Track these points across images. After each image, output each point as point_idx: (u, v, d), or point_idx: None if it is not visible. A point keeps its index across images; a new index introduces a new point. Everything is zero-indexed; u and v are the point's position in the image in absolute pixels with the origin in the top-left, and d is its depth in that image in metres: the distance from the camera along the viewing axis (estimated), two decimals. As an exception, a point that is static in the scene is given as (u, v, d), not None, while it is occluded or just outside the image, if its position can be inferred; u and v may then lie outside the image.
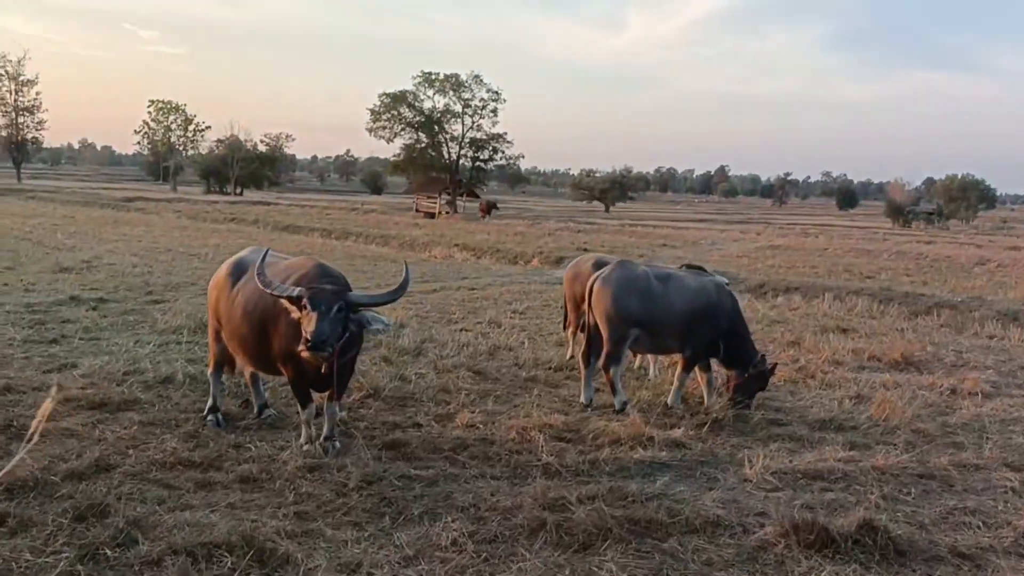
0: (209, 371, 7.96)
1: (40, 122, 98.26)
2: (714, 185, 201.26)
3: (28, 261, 19.75)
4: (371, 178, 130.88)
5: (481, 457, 7.16)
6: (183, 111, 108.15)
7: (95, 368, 9.20)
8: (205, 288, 16.85)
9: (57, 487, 5.84)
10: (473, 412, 8.36)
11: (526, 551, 5.41)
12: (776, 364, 9.13)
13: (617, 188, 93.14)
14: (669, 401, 9.08)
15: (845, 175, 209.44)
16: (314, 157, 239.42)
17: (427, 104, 66.60)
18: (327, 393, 7.03)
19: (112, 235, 28.69)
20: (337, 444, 7.11)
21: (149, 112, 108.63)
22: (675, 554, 5.52)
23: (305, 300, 6.39)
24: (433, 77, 65.47)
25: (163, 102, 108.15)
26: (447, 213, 58.43)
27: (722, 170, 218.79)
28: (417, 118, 65.86)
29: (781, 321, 15.33)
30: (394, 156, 67.83)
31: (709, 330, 8.70)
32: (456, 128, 67.03)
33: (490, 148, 67.45)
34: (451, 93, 65.86)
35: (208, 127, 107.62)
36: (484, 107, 66.47)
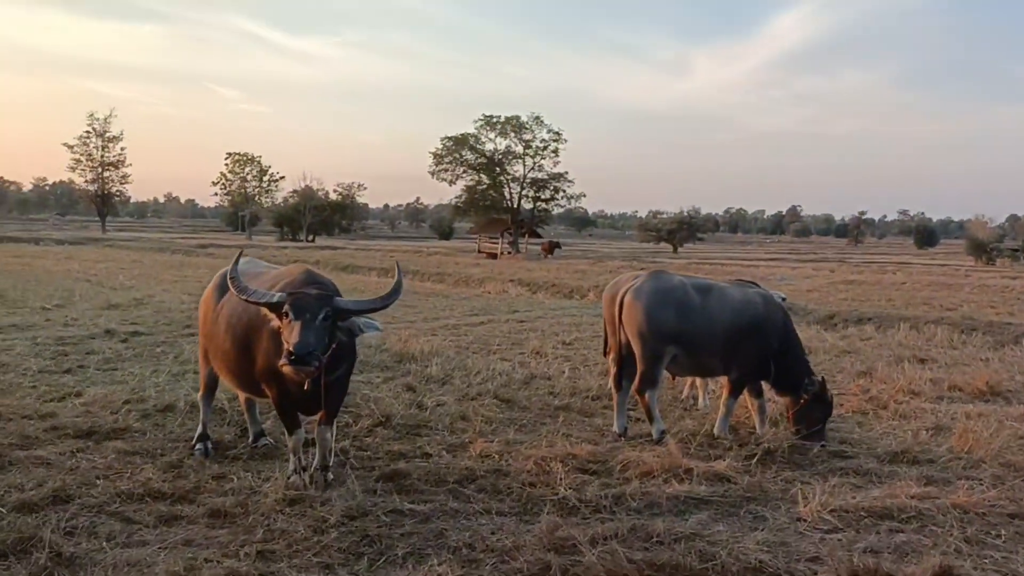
0: (199, 395, 7.31)
1: (124, 176, 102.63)
2: (786, 225, 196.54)
3: (81, 299, 19.74)
4: (439, 224, 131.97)
5: (490, 490, 6.28)
6: (258, 162, 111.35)
7: (97, 396, 8.67)
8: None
9: (-1, 518, 5.19)
10: (491, 441, 7.50)
11: (520, 600, 4.49)
12: (824, 380, 8.00)
13: (685, 229, 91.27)
14: (715, 430, 8.03)
15: (923, 213, 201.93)
16: (385, 205, 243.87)
17: (488, 146, 66.82)
18: (318, 416, 6.27)
19: (172, 277, 28.90)
20: (330, 475, 6.33)
21: (226, 164, 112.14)
22: (704, 607, 4.52)
23: (287, 307, 5.65)
24: (494, 120, 65.70)
25: (239, 154, 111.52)
26: (509, 253, 57.95)
27: (794, 210, 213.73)
28: (479, 160, 66.04)
29: (852, 351, 14.01)
30: (456, 198, 68.07)
31: (757, 349, 7.67)
32: (517, 169, 66.98)
33: (551, 188, 67.00)
34: (512, 135, 65.88)
35: (282, 177, 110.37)
36: (545, 147, 66.27)
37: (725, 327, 7.72)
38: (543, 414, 8.82)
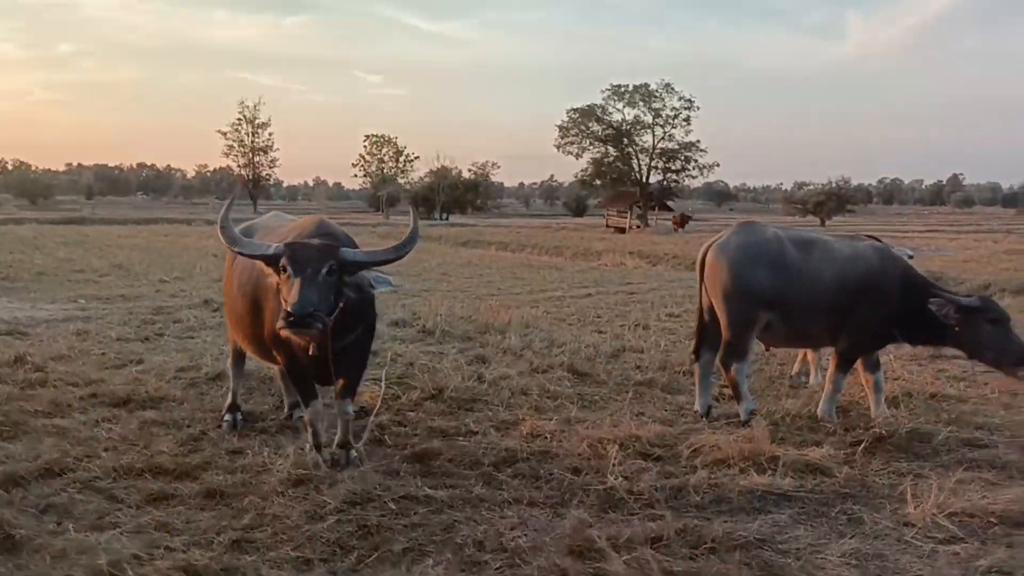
0: (228, 363, 6.78)
1: (273, 160, 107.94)
2: (947, 195, 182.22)
3: (200, 273, 20.21)
4: (573, 201, 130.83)
5: (527, 476, 5.39)
6: (394, 143, 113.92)
7: (155, 364, 8.40)
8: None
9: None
10: (548, 419, 6.60)
11: (517, 616, 3.59)
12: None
13: (833, 201, 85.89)
14: (819, 411, 6.77)
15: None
16: (520, 184, 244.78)
17: (616, 116, 64.89)
18: (340, 385, 5.56)
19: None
20: (354, 454, 5.62)
21: (365, 146, 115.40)
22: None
23: (284, 260, 4.92)
24: (622, 89, 63.67)
25: (377, 136, 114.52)
26: (637, 227, 56.17)
27: (955, 179, 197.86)
28: (606, 131, 64.32)
29: (1006, 323, 12.05)
30: (582, 172, 66.63)
31: (871, 313, 6.32)
32: (646, 139, 64.73)
33: (681, 158, 64.38)
34: (640, 104, 63.68)
35: (416, 157, 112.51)
36: (676, 116, 63.65)
37: (830, 287, 6.43)
38: (620, 389, 7.80)
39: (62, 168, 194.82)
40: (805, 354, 8.43)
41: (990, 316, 6.09)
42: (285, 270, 4.91)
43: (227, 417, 6.46)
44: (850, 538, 4.48)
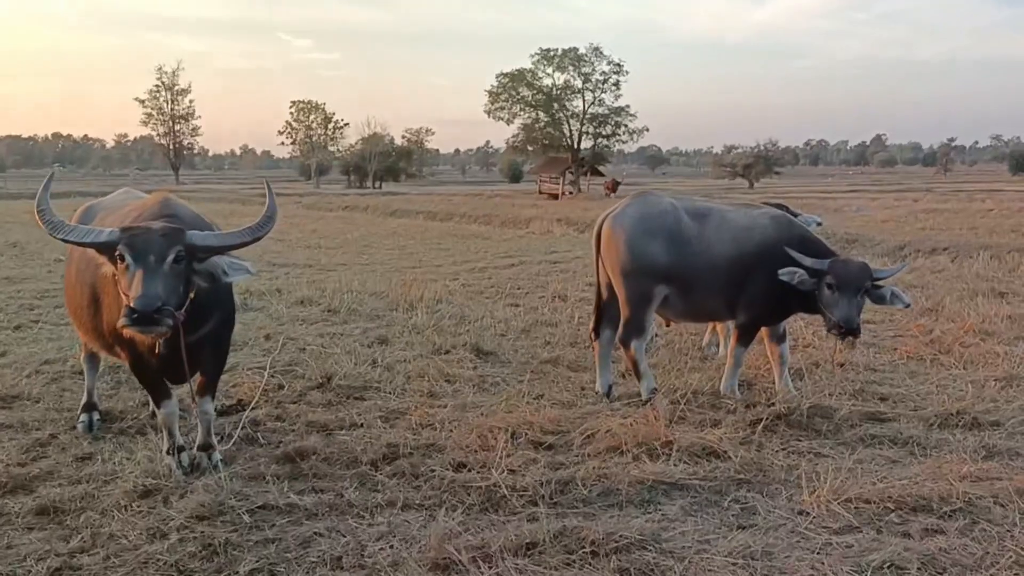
0: (82, 357, 6.17)
1: (195, 129, 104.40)
2: (870, 156, 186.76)
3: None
4: (508, 167, 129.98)
5: (408, 475, 4.97)
6: (322, 110, 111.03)
7: (20, 357, 7.71)
8: (256, 265, 15.61)
9: None
10: (442, 406, 6.19)
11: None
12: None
13: (762, 163, 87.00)
14: (721, 387, 6.51)
15: (1019, 138, 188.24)
16: (456, 151, 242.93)
17: (546, 81, 64.24)
18: (198, 383, 5.03)
19: (221, 224, 28.32)
20: (217, 456, 5.11)
21: (291, 112, 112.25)
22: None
23: (121, 248, 4.29)
24: (552, 53, 63.02)
25: (303, 102, 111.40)
26: (570, 193, 55.92)
27: (879, 139, 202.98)
28: (536, 96, 63.66)
29: (919, 285, 12.08)
30: (513, 137, 65.98)
31: (769, 284, 6.03)
32: (576, 105, 64.34)
33: (612, 123, 64.23)
34: (571, 68, 63.16)
35: (346, 124, 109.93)
36: (605, 80, 63.36)
37: (725, 259, 6.13)
38: (524, 369, 7.43)
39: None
40: (715, 324, 8.18)
41: (828, 280, 5.88)
42: (123, 259, 4.28)
43: (82, 418, 5.87)
44: (741, 531, 4.20)
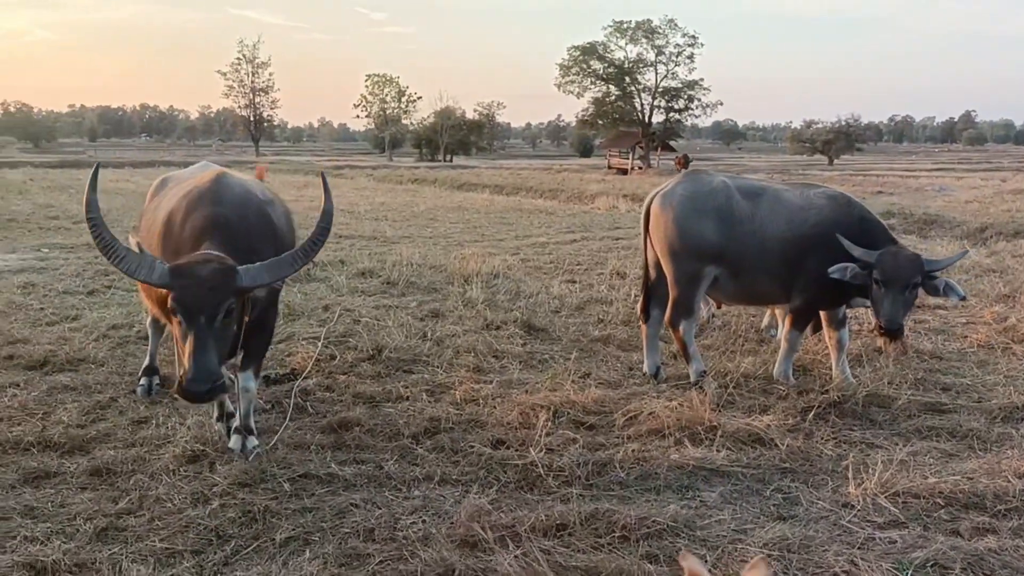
0: (147, 321, 6.34)
1: (274, 101, 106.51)
2: (958, 133, 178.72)
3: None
4: (579, 141, 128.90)
5: (446, 450, 5.00)
6: (396, 83, 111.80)
7: (89, 321, 8.01)
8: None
9: None
10: (487, 382, 6.20)
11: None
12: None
13: (842, 139, 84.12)
14: (774, 372, 6.34)
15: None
16: (528, 124, 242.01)
17: (618, 54, 63.21)
18: (240, 356, 5.08)
19: (290, 196, 28.87)
20: (252, 441, 4.93)
21: (366, 86, 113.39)
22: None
23: (171, 303, 4.09)
24: (625, 25, 61.92)
25: (378, 75, 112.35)
26: (640, 168, 55.15)
27: (968, 116, 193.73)
28: (607, 69, 62.74)
29: (998, 270, 11.52)
30: (583, 111, 65.28)
31: (825, 268, 5.77)
32: (649, 78, 63.17)
33: (685, 96, 62.91)
34: (643, 41, 61.98)
35: (419, 97, 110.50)
36: (679, 53, 62.05)
37: (779, 240, 5.93)
38: (573, 347, 7.37)
39: (65, 110, 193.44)
40: (774, 307, 7.96)
41: (876, 275, 5.60)
42: (175, 313, 4.12)
43: (142, 381, 6.06)
44: (780, 522, 4.09)
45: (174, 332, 4.27)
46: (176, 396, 4.16)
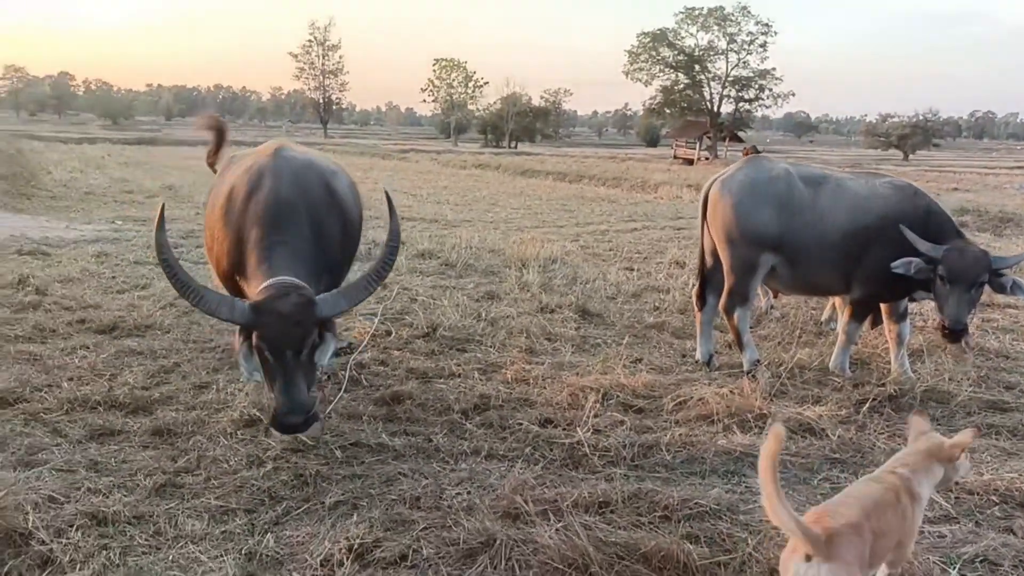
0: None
1: (343, 84, 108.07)
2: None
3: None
4: (645, 130, 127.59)
5: (494, 426, 5.06)
6: (463, 68, 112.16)
7: (158, 290, 8.31)
8: (375, 218, 15.95)
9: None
10: (538, 363, 6.24)
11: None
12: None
13: (919, 134, 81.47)
14: (831, 363, 6.24)
15: None
16: (594, 112, 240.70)
17: (688, 42, 62.32)
18: None
19: (355, 178, 29.24)
20: (316, 428, 4.59)
21: (433, 70, 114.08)
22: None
23: (257, 343, 4.08)
24: (696, 12, 60.97)
25: (446, 60, 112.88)
26: (706, 159, 54.38)
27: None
28: (677, 57, 61.88)
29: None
30: (650, 99, 64.50)
31: (888, 260, 5.64)
32: (719, 67, 62.14)
33: (756, 86, 61.64)
34: (715, 28, 60.93)
35: (486, 83, 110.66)
36: (751, 41, 60.80)
37: (840, 230, 5.81)
38: (627, 332, 7.36)
39: (143, 88, 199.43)
40: (835, 299, 7.81)
41: (941, 271, 5.43)
42: (260, 351, 4.11)
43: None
44: (826, 511, 4.03)
45: (260, 363, 4.22)
46: (271, 428, 4.18)
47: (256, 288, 4.29)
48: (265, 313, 4.03)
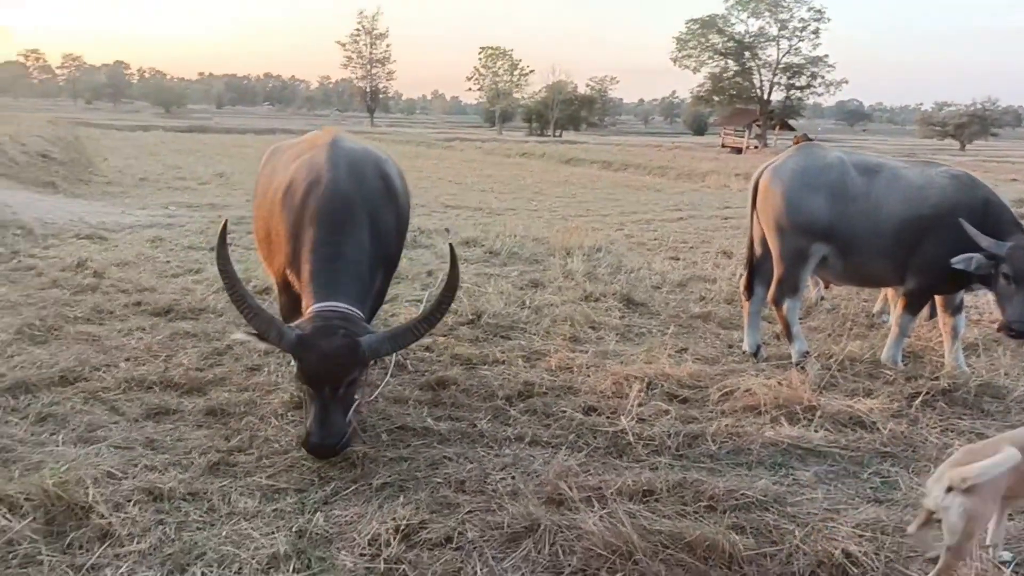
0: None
1: (390, 73, 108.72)
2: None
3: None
4: (693, 118, 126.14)
5: (538, 413, 5.08)
6: (509, 56, 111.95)
7: (211, 275, 8.45)
8: (421, 206, 16.02)
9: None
10: (582, 351, 6.25)
11: (470, 572, 3.34)
12: None
13: (976, 123, 79.31)
14: (883, 356, 6.13)
15: None
16: (640, 100, 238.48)
17: (738, 28, 61.32)
18: None
19: (401, 166, 29.42)
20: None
21: (479, 58, 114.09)
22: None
23: (299, 373, 4.14)
24: (747, -2, 60.00)
25: (492, 48, 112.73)
26: (755, 148, 53.57)
27: None
28: (727, 44, 60.93)
29: None
30: (699, 87, 63.67)
31: (943, 251, 5.50)
32: (770, 53, 61.04)
33: (807, 74, 60.43)
34: (767, 14, 59.80)
35: (531, 71, 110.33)
36: (804, 28, 59.59)
37: (894, 219, 5.68)
38: (672, 322, 7.32)
39: (195, 77, 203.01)
40: (887, 291, 7.67)
41: (1005, 269, 5.25)
42: (301, 380, 4.18)
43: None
44: (876, 504, 3.99)
45: (300, 386, 4.32)
46: (303, 445, 4.18)
47: (306, 305, 4.27)
48: (309, 349, 4.01)
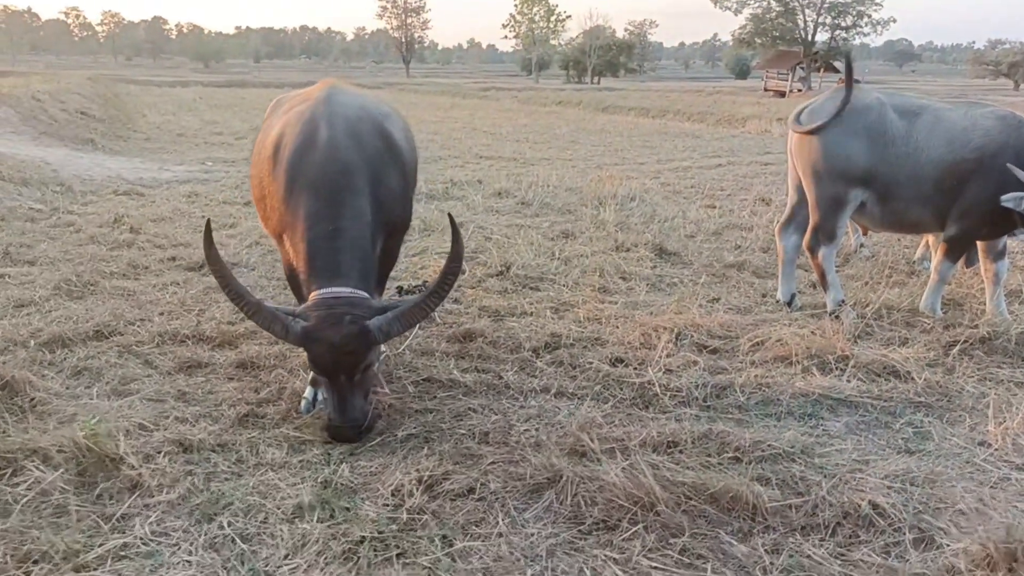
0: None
1: (425, 22, 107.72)
2: None
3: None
4: (734, 62, 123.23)
5: (565, 364, 5.05)
6: (546, 2, 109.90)
7: (245, 229, 8.58)
8: (454, 157, 15.93)
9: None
10: (612, 302, 6.19)
11: (492, 522, 3.36)
12: None
13: (1032, 61, 76.14)
14: (921, 304, 5.97)
15: None
16: (681, 44, 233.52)
17: (781, -36, 59.28)
18: None
19: (430, 117, 29.36)
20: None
21: (515, 5, 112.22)
22: (749, 568, 3.08)
23: (310, 364, 4.01)
24: (791, -67, 57.90)
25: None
26: (799, 91, 52.13)
27: None
28: (769, -17, 59.12)
29: None
30: (740, 29, 61.90)
31: (987, 194, 5.31)
32: (815, -9, 58.96)
33: (853, 12, 58.36)
34: (811, -50, 57.82)
35: (568, 16, 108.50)
36: (851, -37, 57.48)
37: (936, 163, 5.48)
38: (704, 271, 7.22)
39: (232, 31, 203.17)
40: (928, 237, 7.45)
41: None
42: (314, 371, 4.07)
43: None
44: (907, 455, 3.91)
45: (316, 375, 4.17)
46: (324, 431, 4.06)
47: (308, 291, 4.03)
48: (317, 342, 3.83)
